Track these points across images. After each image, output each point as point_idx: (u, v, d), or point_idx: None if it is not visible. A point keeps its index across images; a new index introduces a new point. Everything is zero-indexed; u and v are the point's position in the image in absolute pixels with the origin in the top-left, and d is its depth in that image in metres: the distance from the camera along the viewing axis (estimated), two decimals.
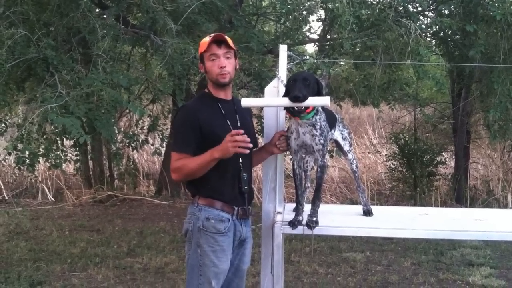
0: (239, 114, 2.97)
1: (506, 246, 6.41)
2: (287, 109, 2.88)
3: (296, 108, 2.77)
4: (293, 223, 2.95)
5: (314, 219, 2.95)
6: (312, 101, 2.75)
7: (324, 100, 2.76)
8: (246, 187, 2.91)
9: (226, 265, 2.87)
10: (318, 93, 2.83)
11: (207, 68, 2.89)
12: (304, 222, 2.97)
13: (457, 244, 6.44)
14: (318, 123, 2.92)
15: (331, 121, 3.16)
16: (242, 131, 2.70)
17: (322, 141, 2.93)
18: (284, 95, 2.85)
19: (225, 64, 2.86)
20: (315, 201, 2.97)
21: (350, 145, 3.34)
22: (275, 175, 3.11)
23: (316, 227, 2.95)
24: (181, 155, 2.80)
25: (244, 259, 3.02)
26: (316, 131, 2.92)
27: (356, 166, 3.35)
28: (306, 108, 2.80)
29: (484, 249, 6.32)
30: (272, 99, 2.98)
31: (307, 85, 2.78)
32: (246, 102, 2.85)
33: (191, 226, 2.85)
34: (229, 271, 2.93)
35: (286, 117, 3.14)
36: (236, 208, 2.88)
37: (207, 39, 2.90)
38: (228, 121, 2.88)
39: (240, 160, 2.88)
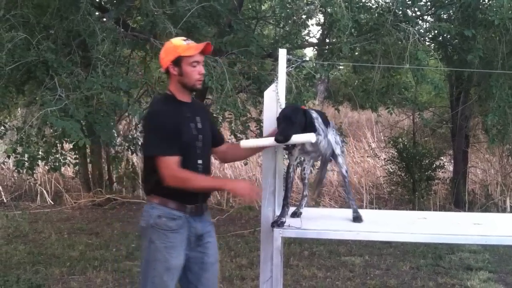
0: (199, 116, 3.02)
1: (504, 250, 6.42)
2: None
3: (285, 146, 2.94)
4: (276, 223, 3.00)
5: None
6: (297, 138, 2.87)
7: (308, 137, 2.87)
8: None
9: (178, 261, 2.95)
10: (307, 124, 2.92)
11: (185, 72, 2.91)
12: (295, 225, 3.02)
13: (456, 248, 6.44)
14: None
15: (325, 122, 3.22)
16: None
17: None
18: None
19: (203, 71, 2.95)
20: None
21: (342, 152, 3.34)
22: (274, 179, 3.13)
23: (315, 231, 2.99)
24: (173, 157, 2.85)
25: (208, 252, 3.07)
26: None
27: (346, 171, 3.31)
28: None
29: (482, 253, 6.33)
30: (266, 140, 3.07)
31: (292, 124, 2.87)
32: (244, 143, 3.12)
33: (144, 223, 2.97)
34: (196, 266, 3.01)
35: None
36: (189, 206, 2.95)
37: (184, 43, 2.94)
38: (191, 124, 2.96)
39: (200, 162, 2.97)
